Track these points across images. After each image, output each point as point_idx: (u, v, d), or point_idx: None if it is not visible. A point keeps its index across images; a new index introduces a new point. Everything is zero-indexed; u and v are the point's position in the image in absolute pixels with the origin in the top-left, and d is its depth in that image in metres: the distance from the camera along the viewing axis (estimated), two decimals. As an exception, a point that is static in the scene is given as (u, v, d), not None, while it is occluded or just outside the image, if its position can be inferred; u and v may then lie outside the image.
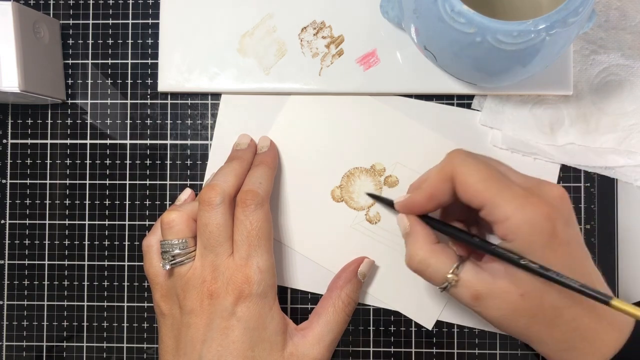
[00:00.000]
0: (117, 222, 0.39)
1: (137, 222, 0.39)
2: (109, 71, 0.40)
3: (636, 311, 0.25)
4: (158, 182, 0.39)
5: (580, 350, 0.29)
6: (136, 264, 0.39)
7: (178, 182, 0.39)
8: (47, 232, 0.40)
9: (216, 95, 0.39)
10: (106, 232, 0.39)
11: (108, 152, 0.39)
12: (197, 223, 0.33)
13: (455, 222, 0.34)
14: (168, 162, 0.39)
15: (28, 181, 0.40)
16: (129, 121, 0.39)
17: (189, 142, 0.39)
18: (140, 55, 0.39)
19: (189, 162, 0.39)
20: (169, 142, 0.39)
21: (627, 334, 0.29)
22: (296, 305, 0.39)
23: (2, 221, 0.40)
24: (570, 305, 0.28)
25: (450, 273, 0.29)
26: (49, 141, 0.40)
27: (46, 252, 0.40)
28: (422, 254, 0.30)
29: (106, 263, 0.39)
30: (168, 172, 0.39)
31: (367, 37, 0.37)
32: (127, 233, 0.39)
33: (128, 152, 0.39)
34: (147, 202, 0.39)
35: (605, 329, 0.29)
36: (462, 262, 0.30)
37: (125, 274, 0.39)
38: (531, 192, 0.28)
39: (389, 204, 0.34)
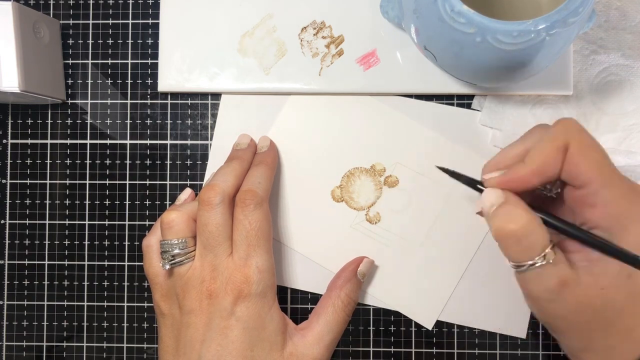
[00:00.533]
0: (117, 222, 0.39)
1: (137, 222, 0.39)
2: (109, 71, 0.40)
3: None
4: (158, 182, 0.39)
5: (610, 352, 0.28)
6: (136, 264, 0.39)
7: (178, 182, 0.39)
8: (47, 232, 0.40)
9: (216, 95, 0.39)
10: (106, 232, 0.39)
11: (108, 152, 0.39)
12: (196, 223, 0.33)
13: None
14: (168, 162, 0.39)
15: (28, 181, 0.40)
16: (129, 121, 0.39)
17: (189, 142, 0.39)
18: (140, 55, 0.39)
19: (189, 162, 0.39)
20: (169, 142, 0.39)
21: None
22: (296, 305, 0.39)
23: (2, 221, 0.40)
24: (632, 305, 0.27)
25: (550, 248, 0.27)
26: (49, 141, 0.40)
27: (46, 252, 0.40)
28: (527, 218, 0.27)
29: (106, 263, 0.39)
30: (168, 172, 0.39)
31: (367, 37, 0.37)
32: (127, 233, 0.39)
33: (128, 152, 0.39)
34: (147, 202, 0.39)
35: None
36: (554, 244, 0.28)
37: (125, 274, 0.39)
38: (634, 188, 0.27)
39: (468, 181, 0.31)
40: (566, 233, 0.28)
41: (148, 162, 0.39)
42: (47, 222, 0.40)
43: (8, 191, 0.40)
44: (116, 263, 0.39)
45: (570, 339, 0.29)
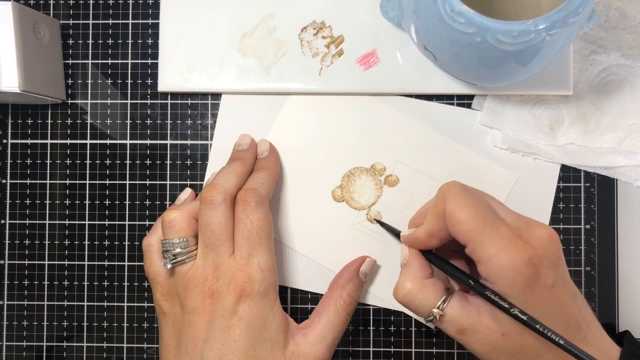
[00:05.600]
0: (117, 222, 0.39)
1: (137, 222, 0.39)
2: (109, 71, 0.40)
3: None
4: (158, 182, 0.39)
5: None
6: (136, 264, 0.39)
7: (178, 182, 0.39)
8: (47, 232, 0.40)
9: (216, 95, 0.39)
10: (106, 232, 0.39)
11: (108, 152, 0.39)
12: (198, 222, 0.33)
13: (456, 253, 0.34)
14: (168, 162, 0.39)
15: (28, 181, 0.40)
16: (129, 121, 0.39)
17: (189, 142, 0.39)
18: (140, 55, 0.39)
19: (189, 162, 0.39)
20: (169, 142, 0.39)
21: None
22: (296, 305, 0.39)
23: (2, 221, 0.40)
24: (551, 347, 0.28)
25: (436, 308, 0.30)
26: (49, 141, 0.40)
27: (46, 252, 0.40)
28: (409, 287, 0.31)
29: (106, 263, 0.39)
30: (168, 172, 0.39)
31: (367, 37, 0.38)
32: (127, 233, 0.39)
33: (128, 152, 0.39)
34: (147, 202, 0.39)
35: None
36: (449, 295, 0.30)
37: (125, 274, 0.39)
38: (519, 234, 0.28)
39: (396, 234, 0.36)
40: (466, 286, 0.30)
41: (148, 162, 0.39)
42: (47, 222, 0.40)
43: (8, 191, 0.40)
44: (116, 263, 0.39)
45: None
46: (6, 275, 0.40)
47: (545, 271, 0.28)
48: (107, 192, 0.39)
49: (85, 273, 0.39)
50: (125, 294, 0.39)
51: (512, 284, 0.28)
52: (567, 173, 0.38)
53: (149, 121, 0.39)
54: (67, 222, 0.40)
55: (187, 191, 0.38)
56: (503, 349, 0.29)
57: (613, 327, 0.35)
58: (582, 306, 0.30)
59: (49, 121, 0.40)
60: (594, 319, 0.30)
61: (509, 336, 0.29)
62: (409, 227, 0.35)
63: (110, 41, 0.40)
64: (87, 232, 0.39)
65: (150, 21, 0.39)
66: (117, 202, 0.39)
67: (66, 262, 0.40)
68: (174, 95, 0.39)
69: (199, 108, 0.39)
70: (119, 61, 0.40)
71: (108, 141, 0.40)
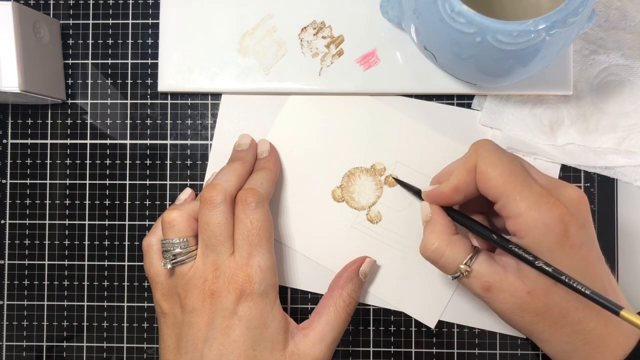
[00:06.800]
0: (117, 222, 0.39)
1: (137, 222, 0.39)
2: (109, 71, 0.40)
3: None
4: (158, 182, 0.39)
5: (583, 353, 0.29)
6: (136, 264, 0.39)
7: (178, 182, 0.39)
8: (47, 232, 0.40)
9: (216, 95, 0.39)
10: (106, 232, 0.39)
11: (108, 152, 0.39)
12: (198, 222, 0.33)
13: (475, 214, 0.34)
14: (168, 162, 0.39)
15: (28, 181, 0.40)
16: (129, 121, 0.39)
17: (189, 142, 0.39)
18: (140, 55, 0.39)
19: (189, 162, 0.39)
20: (169, 142, 0.39)
21: (635, 341, 0.29)
22: (296, 305, 0.39)
23: (2, 221, 0.40)
24: (577, 308, 0.28)
25: (463, 264, 0.30)
26: (49, 141, 0.40)
27: (46, 252, 0.40)
28: (437, 243, 0.31)
29: (106, 263, 0.39)
30: (168, 172, 0.39)
31: (367, 37, 0.38)
32: (127, 233, 0.39)
33: (128, 152, 0.39)
34: (147, 202, 0.39)
35: (612, 335, 0.29)
36: (476, 253, 0.30)
37: (125, 274, 0.39)
38: (549, 192, 0.29)
39: (415, 192, 0.36)
40: (481, 236, 0.31)
41: (148, 162, 0.39)
42: (47, 222, 0.40)
43: (8, 191, 0.40)
44: (116, 263, 0.39)
45: (537, 342, 0.31)
46: (6, 275, 0.40)
47: (574, 230, 0.28)
48: (107, 192, 0.39)
49: (85, 273, 0.39)
50: (125, 294, 0.39)
51: (541, 240, 0.28)
52: (567, 173, 0.38)
53: (149, 121, 0.39)
54: (67, 222, 0.40)
55: (187, 191, 0.38)
56: (528, 307, 0.29)
57: None
58: (606, 271, 0.30)
59: (49, 121, 0.40)
60: (617, 285, 0.30)
61: (534, 294, 0.29)
62: (431, 183, 0.35)
63: (110, 41, 0.40)
64: (87, 232, 0.39)
65: (150, 21, 0.39)
66: (117, 202, 0.39)
67: (66, 262, 0.40)
68: (174, 95, 0.39)
69: (199, 108, 0.39)
70: (119, 61, 0.40)
71: (108, 141, 0.40)
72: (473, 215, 0.34)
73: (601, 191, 0.38)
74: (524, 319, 0.29)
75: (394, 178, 0.37)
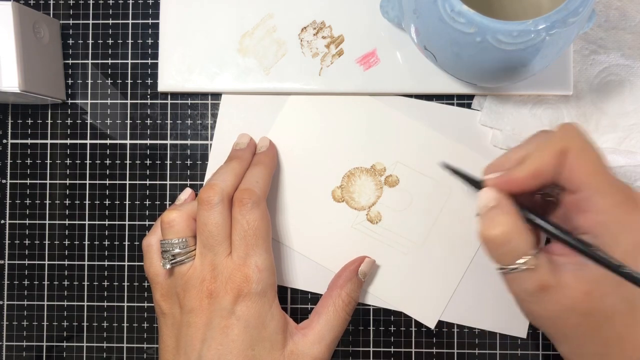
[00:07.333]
0: (117, 222, 0.39)
1: (137, 222, 0.39)
2: (109, 71, 0.40)
3: None
4: (158, 182, 0.39)
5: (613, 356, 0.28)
6: (136, 264, 0.39)
7: (178, 182, 0.39)
8: (47, 232, 0.40)
9: (216, 95, 0.39)
10: (106, 232, 0.39)
11: (108, 152, 0.39)
12: (196, 222, 0.33)
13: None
14: (168, 162, 0.39)
15: (28, 181, 0.40)
16: (129, 121, 0.39)
17: (189, 142, 0.39)
18: (140, 55, 0.39)
19: (189, 162, 0.39)
20: (169, 142, 0.39)
21: None
22: (296, 305, 0.39)
23: (2, 221, 0.40)
24: (626, 313, 0.27)
25: (528, 257, 0.27)
26: (49, 141, 0.40)
27: (46, 252, 0.40)
28: (508, 227, 0.27)
29: (106, 263, 0.39)
30: (168, 172, 0.39)
31: (367, 37, 0.38)
32: (127, 233, 0.39)
33: (128, 152, 0.39)
34: (147, 202, 0.39)
35: None
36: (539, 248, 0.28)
37: (125, 274, 0.39)
38: (631, 192, 0.27)
39: (470, 180, 0.30)
40: (553, 236, 0.28)
41: (148, 162, 0.39)
42: (47, 222, 0.40)
43: (8, 191, 0.40)
44: (116, 263, 0.39)
45: (561, 343, 0.29)
46: (6, 275, 0.40)
47: None
48: (107, 192, 0.39)
49: (85, 273, 0.39)
50: (125, 294, 0.39)
51: (620, 241, 0.26)
52: (567, 173, 0.38)
53: (149, 121, 0.39)
54: (67, 222, 0.40)
55: (187, 191, 0.38)
56: (579, 308, 0.27)
57: None
58: None
59: (49, 121, 0.40)
60: None
61: (591, 295, 0.27)
62: (487, 172, 0.30)
63: (110, 41, 0.40)
64: (87, 232, 0.39)
65: (150, 21, 0.39)
66: (117, 202, 0.39)
67: (66, 262, 0.40)
68: (174, 95, 0.39)
69: (199, 108, 0.39)
70: (119, 61, 0.40)
71: (108, 141, 0.40)
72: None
73: (601, 191, 0.38)
74: (569, 320, 0.27)
75: (445, 165, 0.32)
